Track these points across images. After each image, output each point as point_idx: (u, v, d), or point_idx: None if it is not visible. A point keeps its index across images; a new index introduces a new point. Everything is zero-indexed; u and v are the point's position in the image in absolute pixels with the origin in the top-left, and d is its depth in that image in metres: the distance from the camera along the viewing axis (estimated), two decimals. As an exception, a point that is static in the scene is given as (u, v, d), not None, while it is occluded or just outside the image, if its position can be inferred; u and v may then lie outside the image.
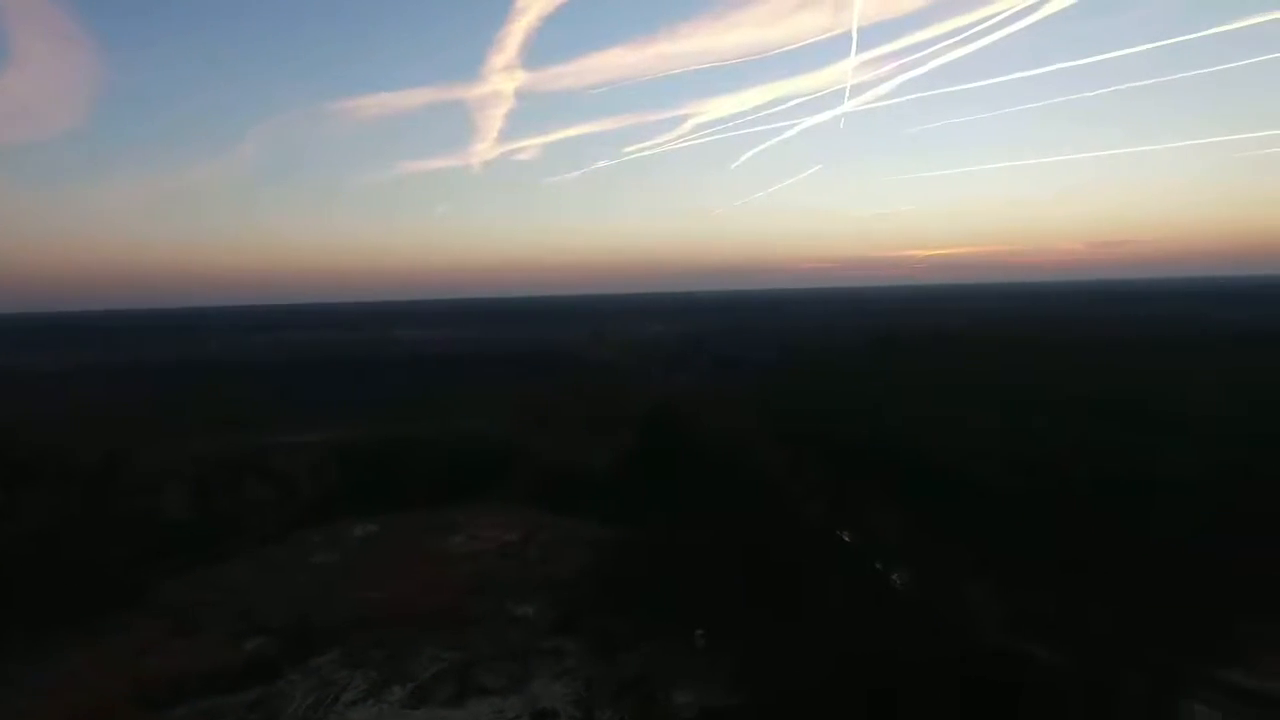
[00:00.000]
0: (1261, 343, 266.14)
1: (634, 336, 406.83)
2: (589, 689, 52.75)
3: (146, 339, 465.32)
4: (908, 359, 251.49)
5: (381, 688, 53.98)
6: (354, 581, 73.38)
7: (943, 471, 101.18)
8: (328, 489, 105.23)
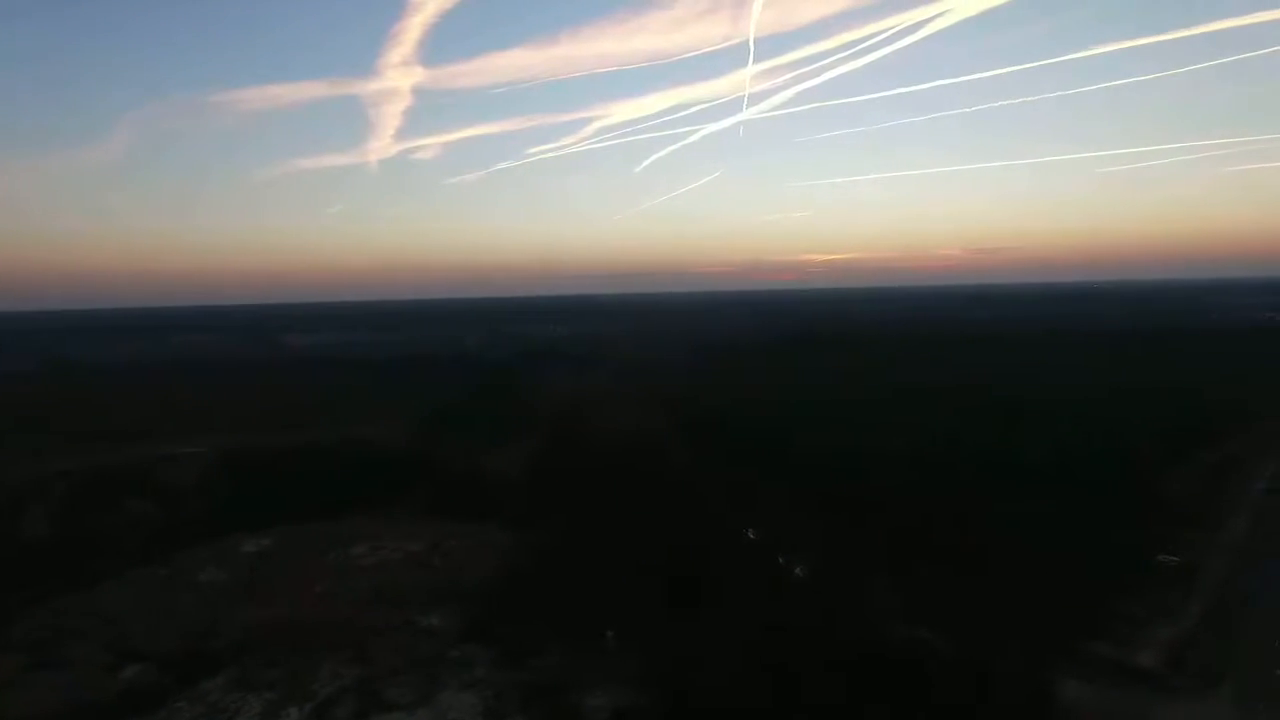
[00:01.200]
0: (1118, 339, 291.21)
1: (539, 338, 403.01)
2: (499, 698, 51.92)
3: (3, 342, 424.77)
4: (809, 360, 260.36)
5: (278, 709, 51.31)
6: (246, 599, 69.45)
7: (843, 467, 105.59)
8: (216, 502, 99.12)
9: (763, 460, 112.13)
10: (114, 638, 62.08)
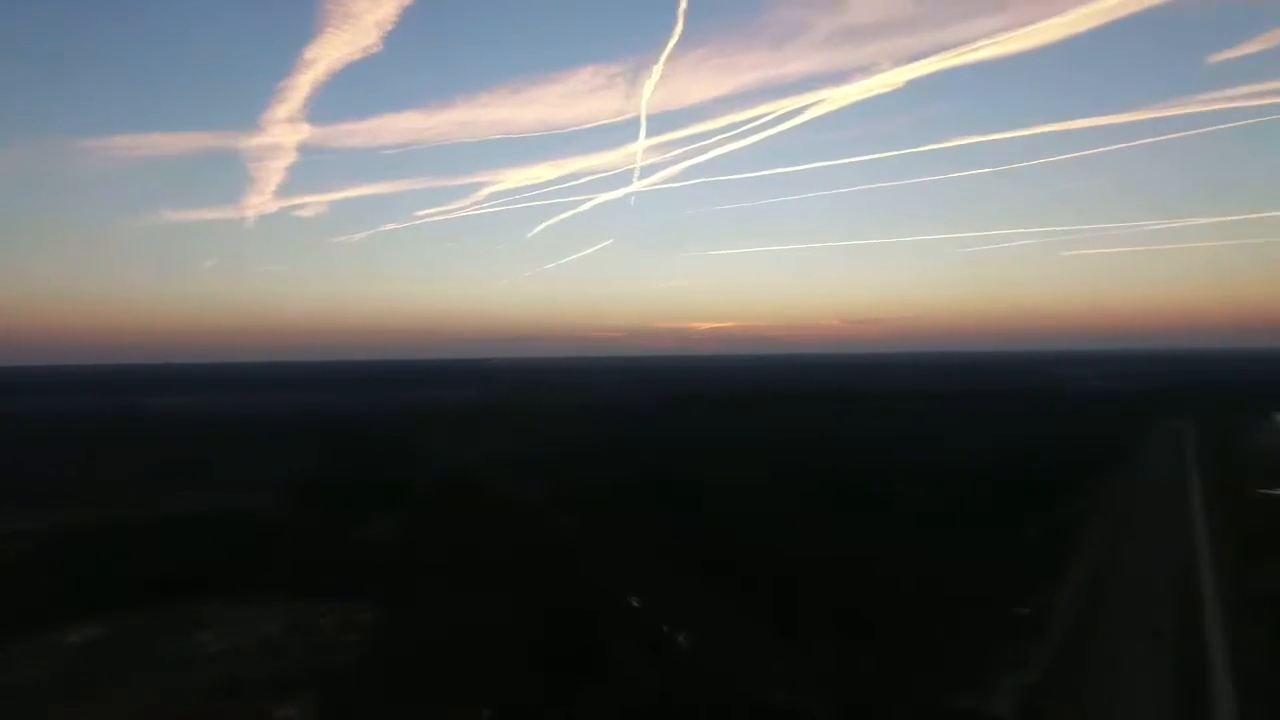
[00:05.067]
0: (981, 402, 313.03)
1: (424, 402, 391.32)
2: (357, 794, 47.79)
3: None
4: (694, 424, 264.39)
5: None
6: (69, 701, 61.50)
7: (727, 528, 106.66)
8: (41, 586, 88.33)
9: (648, 525, 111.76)
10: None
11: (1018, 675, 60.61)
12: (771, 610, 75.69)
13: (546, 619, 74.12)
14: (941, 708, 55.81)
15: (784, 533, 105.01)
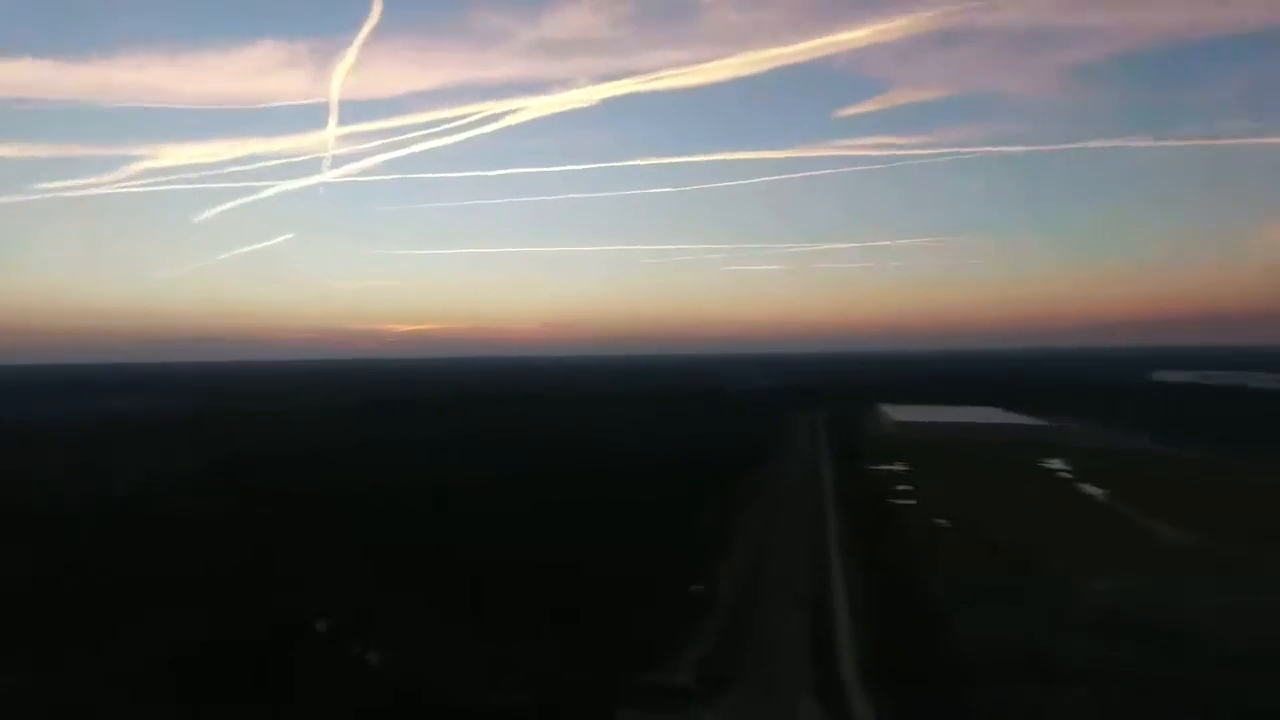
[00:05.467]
0: (661, 401, 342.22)
1: (71, 414, 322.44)
2: None
3: None
4: (394, 429, 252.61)
5: None
6: None
7: (421, 534, 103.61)
8: None
9: (342, 533, 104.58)
10: None
11: (696, 646, 67.66)
12: (471, 612, 75.30)
13: (217, 651, 65.63)
14: (632, 684, 60.22)
15: (483, 534, 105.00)
